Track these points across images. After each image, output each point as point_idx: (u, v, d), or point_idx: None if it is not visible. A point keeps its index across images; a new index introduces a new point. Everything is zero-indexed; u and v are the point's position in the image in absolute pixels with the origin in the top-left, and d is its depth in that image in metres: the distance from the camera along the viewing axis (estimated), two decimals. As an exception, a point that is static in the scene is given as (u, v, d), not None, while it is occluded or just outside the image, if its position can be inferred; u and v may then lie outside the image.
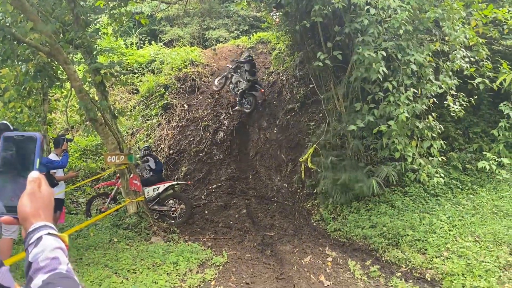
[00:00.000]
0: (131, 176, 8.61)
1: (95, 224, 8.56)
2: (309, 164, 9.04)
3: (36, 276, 1.06)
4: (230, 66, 13.65)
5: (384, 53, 7.34)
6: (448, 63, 7.86)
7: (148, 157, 10.19)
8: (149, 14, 18.11)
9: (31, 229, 1.14)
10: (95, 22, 9.44)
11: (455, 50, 7.78)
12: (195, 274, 6.23)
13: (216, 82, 14.16)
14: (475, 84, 7.79)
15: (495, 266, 5.66)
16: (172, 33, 20.75)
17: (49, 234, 1.14)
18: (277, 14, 12.77)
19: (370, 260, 6.70)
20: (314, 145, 9.13)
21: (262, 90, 13.09)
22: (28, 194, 1.18)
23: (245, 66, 12.64)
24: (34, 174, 1.22)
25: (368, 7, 7.37)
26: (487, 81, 7.76)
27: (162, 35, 21.27)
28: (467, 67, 7.82)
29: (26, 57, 8.11)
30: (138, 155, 10.32)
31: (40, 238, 1.12)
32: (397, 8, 7.20)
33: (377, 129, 7.72)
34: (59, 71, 9.05)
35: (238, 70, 13.00)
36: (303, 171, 9.40)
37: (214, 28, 21.06)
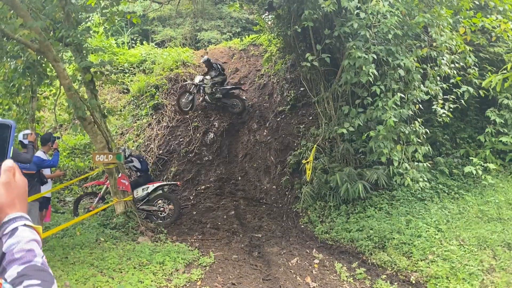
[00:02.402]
0: (120, 175, 8.56)
1: (82, 223, 8.49)
2: (307, 166, 8.92)
3: (11, 267, 1.04)
4: (191, 82, 13.59)
5: (375, 56, 7.43)
6: (435, 68, 7.98)
7: (131, 157, 10.06)
8: (141, 13, 18.04)
9: (6, 220, 1.12)
10: (86, 20, 9.38)
11: (443, 55, 7.90)
12: (182, 274, 6.22)
13: (182, 104, 13.21)
14: (460, 92, 7.95)
15: (478, 269, 5.74)
16: (164, 34, 20.74)
17: (25, 225, 1.12)
18: (270, 16, 12.83)
19: (357, 263, 6.75)
20: (315, 145, 9.07)
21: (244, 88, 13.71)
22: (3, 184, 1.14)
23: (214, 65, 13.23)
24: (8, 163, 1.18)
25: (358, 11, 7.46)
26: (471, 89, 7.89)
27: (154, 35, 21.25)
28: (454, 73, 7.94)
29: (15, 54, 8.05)
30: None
31: (15, 229, 1.10)
32: (387, 14, 7.30)
33: (365, 135, 7.78)
34: (48, 69, 8.98)
35: (204, 80, 13.04)
36: (309, 171, 9.12)
37: (207, 29, 21.08)
